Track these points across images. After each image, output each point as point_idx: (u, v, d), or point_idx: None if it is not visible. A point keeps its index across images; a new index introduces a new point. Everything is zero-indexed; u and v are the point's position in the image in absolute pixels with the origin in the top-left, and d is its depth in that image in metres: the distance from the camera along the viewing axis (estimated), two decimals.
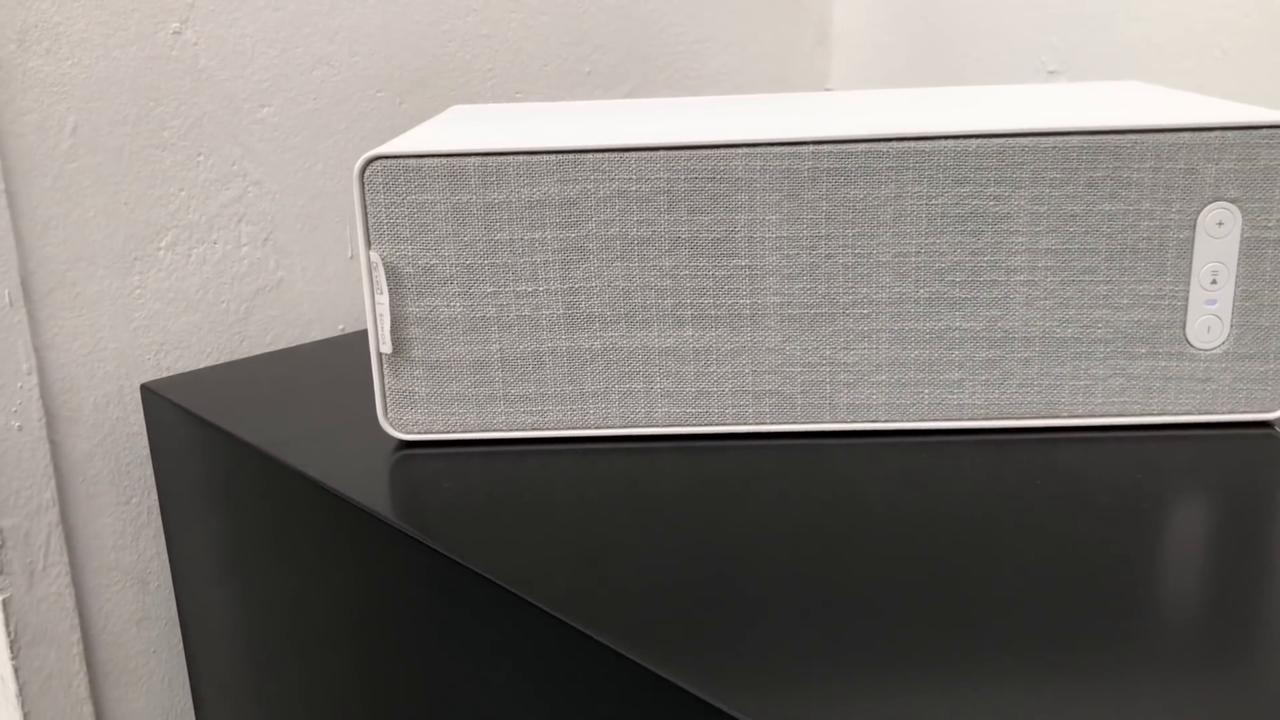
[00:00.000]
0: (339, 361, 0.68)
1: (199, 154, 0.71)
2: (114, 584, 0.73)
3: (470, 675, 0.46)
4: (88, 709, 0.73)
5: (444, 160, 0.50)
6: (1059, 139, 0.49)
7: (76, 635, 0.71)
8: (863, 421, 0.53)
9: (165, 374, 0.71)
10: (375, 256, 0.51)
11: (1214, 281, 0.50)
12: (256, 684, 0.64)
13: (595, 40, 0.87)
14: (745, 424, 0.53)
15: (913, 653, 0.37)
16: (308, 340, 0.77)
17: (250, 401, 0.62)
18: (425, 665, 0.48)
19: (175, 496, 0.66)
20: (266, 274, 0.75)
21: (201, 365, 0.73)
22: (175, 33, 0.69)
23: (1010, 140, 0.49)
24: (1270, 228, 0.50)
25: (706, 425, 0.53)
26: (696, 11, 0.92)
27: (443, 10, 0.79)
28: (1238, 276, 0.50)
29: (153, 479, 0.71)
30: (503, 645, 0.43)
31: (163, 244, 0.71)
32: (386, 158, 0.50)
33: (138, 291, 0.71)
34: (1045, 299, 0.51)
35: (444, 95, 0.81)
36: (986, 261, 0.50)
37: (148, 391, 0.65)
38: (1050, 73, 0.85)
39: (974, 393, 0.52)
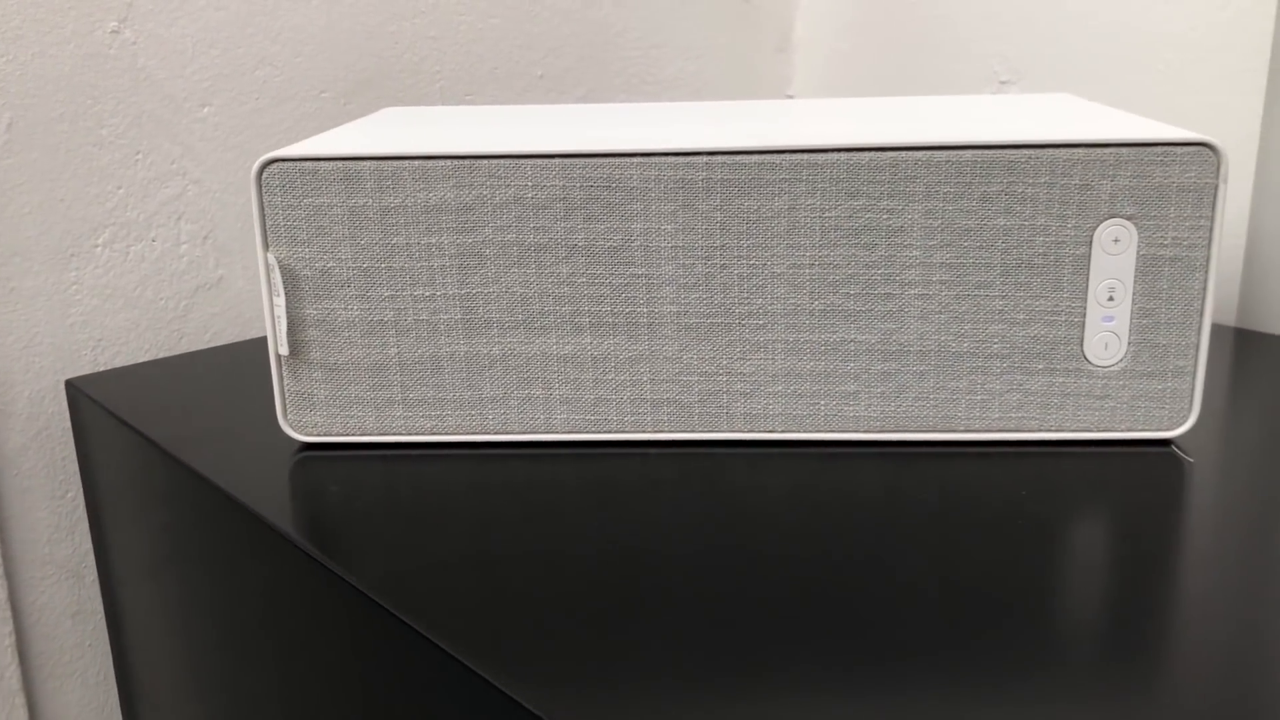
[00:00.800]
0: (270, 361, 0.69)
1: (138, 152, 0.72)
2: (48, 577, 0.74)
3: (350, 680, 0.46)
4: (20, 700, 0.73)
5: (340, 164, 0.50)
6: (952, 153, 0.48)
7: (9, 628, 0.72)
8: (759, 431, 0.53)
9: (102, 370, 0.72)
10: (272, 258, 0.51)
11: (1111, 298, 0.50)
12: (176, 680, 0.65)
13: (548, 44, 0.87)
14: (643, 432, 0.53)
15: (798, 667, 0.36)
16: (247, 338, 0.77)
17: (170, 399, 0.62)
18: (311, 664, 0.48)
19: (98, 492, 0.66)
20: (206, 272, 0.76)
21: (140, 361, 0.74)
22: (113, 31, 0.70)
23: (903, 154, 0.49)
24: (1166, 245, 0.49)
25: (605, 432, 0.53)
26: (653, 17, 0.92)
27: (389, 12, 0.79)
28: (1135, 294, 0.50)
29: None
30: (372, 653, 0.43)
31: (100, 241, 0.72)
32: (283, 160, 0.50)
33: (74, 288, 0.71)
34: (940, 313, 0.51)
35: (390, 96, 0.81)
36: (880, 274, 0.50)
37: (71, 387, 0.65)
38: (1003, 83, 0.85)
39: (870, 405, 0.52)
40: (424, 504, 0.49)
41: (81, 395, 0.64)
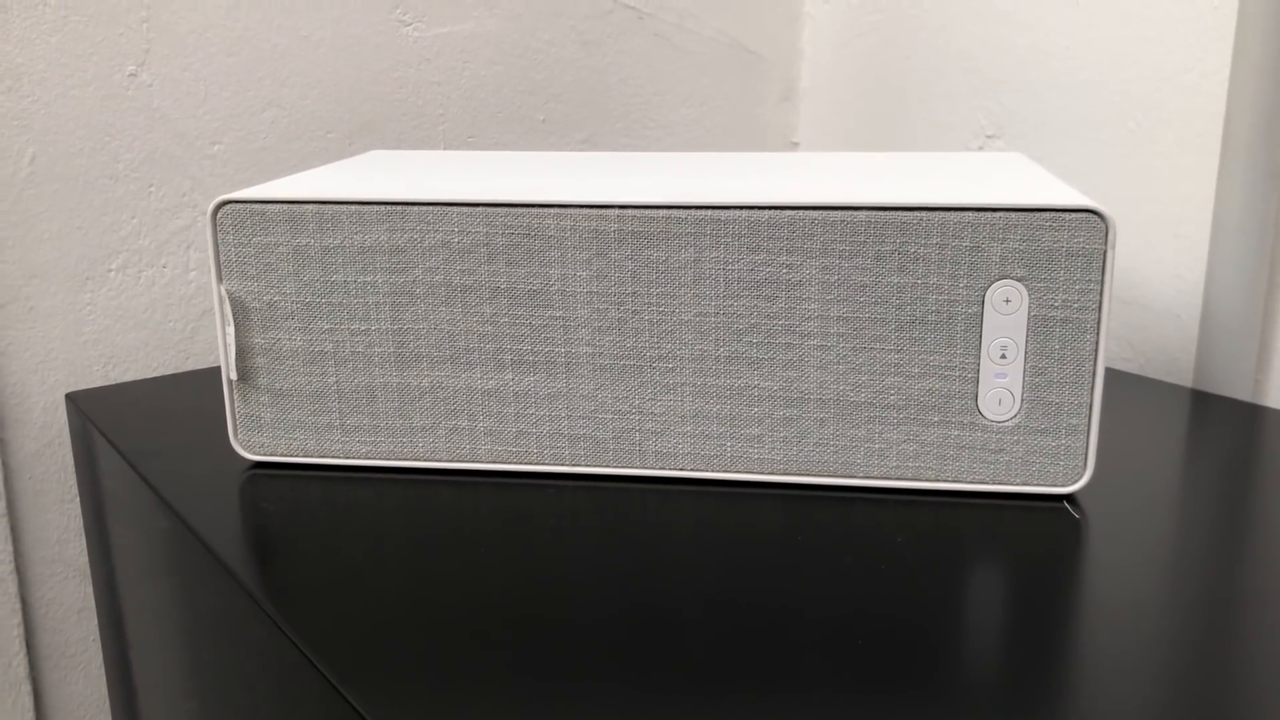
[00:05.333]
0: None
1: (150, 185, 0.78)
2: (56, 575, 0.80)
3: (266, 686, 0.50)
4: (26, 689, 0.79)
5: (285, 207, 0.54)
6: (846, 213, 0.51)
7: (18, 619, 0.78)
8: (669, 469, 0.56)
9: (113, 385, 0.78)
10: (224, 291, 0.56)
11: (1003, 356, 0.52)
12: (165, 677, 0.69)
13: (550, 90, 0.92)
14: (561, 465, 0.56)
15: (689, 698, 0.39)
16: None
17: (153, 415, 0.67)
18: (242, 671, 0.52)
19: (92, 498, 0.72)
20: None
21: (145, 378, 0.79)
22: (131, 75, 0.76)
23: (799, 212, 0.51)
24: (1056, 307, 0.51)
25: (525, 464, 0.57)
26: (655, 65, 0.96)
27: (394, 59, 0.84)
28: (1027, 353, 0.52)
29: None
30: (269, 662, 0.47)
31: (114, 266, 0.77)
32: (235, 202, 0.55)
33: (88, 308, 0.77)
34: (838, 363, 0.53)
35: (394, 138, 0.86)
36: (781, 325, 0.53)
37: (70, 400, 0.71)
38: (988, 137, 0.86)
39: (773, 448, 0.55)
40: (352, 524, 0.52)
41: (76, 408, 0.69)
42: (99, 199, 0.76)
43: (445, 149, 0.86)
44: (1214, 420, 0.65)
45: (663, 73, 0.97)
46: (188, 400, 0.71)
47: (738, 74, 1.00)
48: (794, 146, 1.04)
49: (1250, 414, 0.66)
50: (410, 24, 0.85)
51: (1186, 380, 0.74)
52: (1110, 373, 0.73)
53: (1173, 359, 0.76)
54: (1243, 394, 0.70)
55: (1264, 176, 0.66)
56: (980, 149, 0.87)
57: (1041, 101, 0.82)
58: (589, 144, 0.95)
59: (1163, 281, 0.76)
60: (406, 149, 0.84)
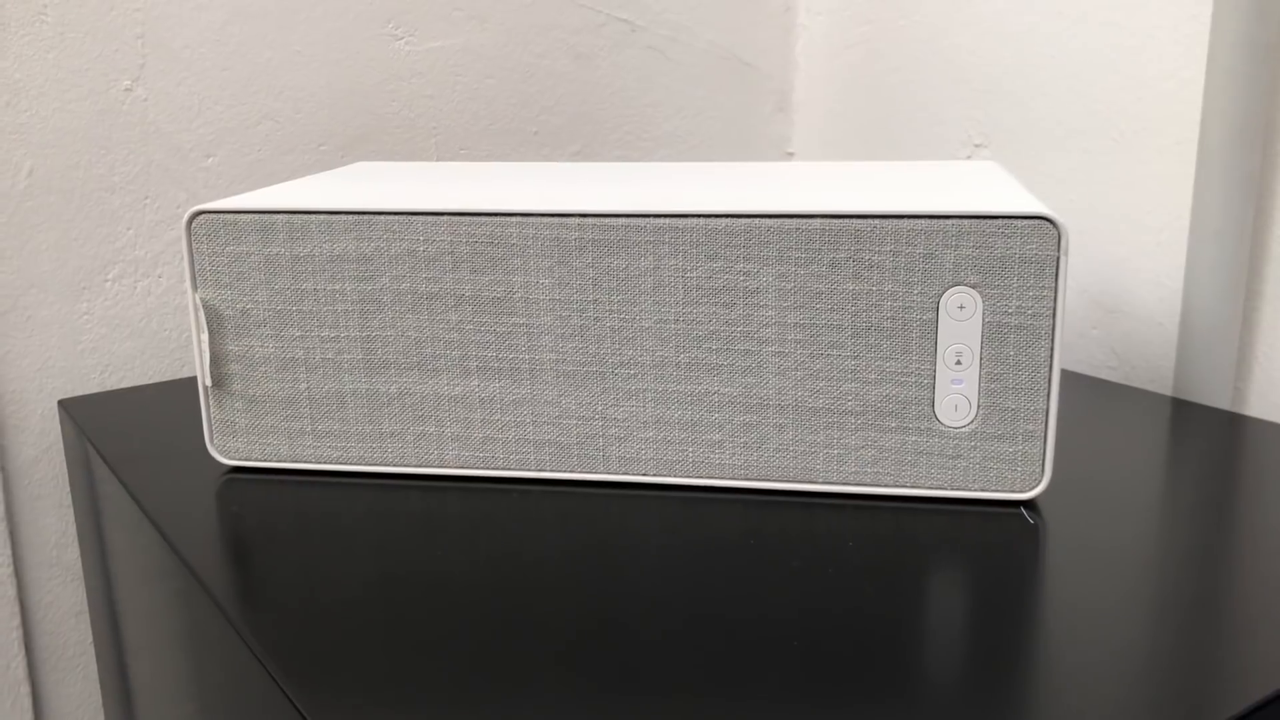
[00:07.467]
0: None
1: (146, 197, 0.80)
2: (54, 579, 0.81)
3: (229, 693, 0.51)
4: (25, 690, 0.81)
5: (257, 216, 0.56)
6: (801, 221, 0.52)
7: (17, 622, 0.79)
8: (632, 474, 0.56)
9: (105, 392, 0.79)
10: (198, 299, 0.57)
11: (959, 362, 0.52)
12: (143, 683, 0.71)
13: (542, 103, 0.93)
14: (527, 470, 0.57)
15: (648, 700, 0.39)
16: None
17: (140, 420, 0.69)
18: (213, 673, 0.54)
19: (84, 502, 0.74)
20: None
21: (138, 385, 0.81)
22: (127, 89, 0.77)
23: (755, 220, 0.52)
24: (1010, 314, 0.51)
25: (492, 469, 0.58)
26: (648, 77, 0.97)
27: (387, 73, 0.86)
28: (982, 359, 0.52)
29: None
30: (224, 661, 0.48)
31: (110, 276, 0.79)
32: (208, 212, 0.56)
33: (85, 318, 0.79)
34: (796, 369, 0.54)
35: (387, 151, 0.87)
36: (740, 332, 0.54)
37: (62, 407, 0.72)
38: (976, 145, 0.87)
39: (734, 454, 0.55)
40: (322, 529, 0.53)
41: (69, 415, 0.71)
42: (95, 211, 0.78)
43: (437, 162, 0.88)
44: (1190, 428, 0.65)
45: (656, 85, 0.98)
46: (176, 407, 0.72)
47: (731, 86, 1.01)
48: (789, 157, 1.05)
49: (1228, 421, 0.66)
50: (402, 38, 0.86)
51: (1164, 389, 0.74)
52: (1092, 380, 0.73)
53: (1156, 367, 0.76)
54: (1222, 402, 0.70)
55: (1240, 184, 0.66)
56: (968, 157, 0.88)
57: (1028, 110, 0.82)
58: (582, 156, 0.96)
59: (1145, 289, 0.75)
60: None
